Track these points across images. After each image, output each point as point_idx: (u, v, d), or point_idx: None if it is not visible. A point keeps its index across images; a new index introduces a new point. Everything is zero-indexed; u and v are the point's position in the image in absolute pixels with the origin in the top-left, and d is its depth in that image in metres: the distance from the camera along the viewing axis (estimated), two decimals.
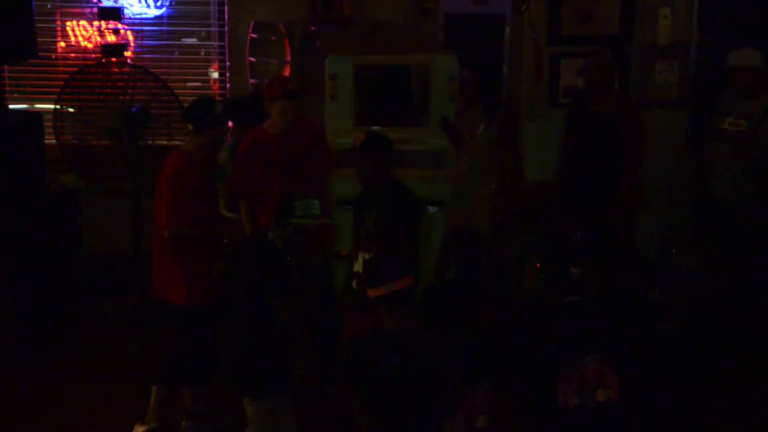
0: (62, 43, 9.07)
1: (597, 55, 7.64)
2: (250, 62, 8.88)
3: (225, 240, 6.31)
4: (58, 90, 8.55)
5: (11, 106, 8.94)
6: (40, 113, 8.35)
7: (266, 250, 5.39)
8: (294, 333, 5.73)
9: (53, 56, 9.09)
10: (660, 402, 5.31)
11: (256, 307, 5.33)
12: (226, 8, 8.97)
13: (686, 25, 9.05)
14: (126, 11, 8.89)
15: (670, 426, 5.47)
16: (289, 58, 8.83)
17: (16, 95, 9.15)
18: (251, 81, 8.89)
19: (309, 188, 6.32)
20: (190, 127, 6.20)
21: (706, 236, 5.90)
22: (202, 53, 9.34)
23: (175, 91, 8.52)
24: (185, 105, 8.26)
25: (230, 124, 7.05)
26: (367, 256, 5.97)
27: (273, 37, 8.86)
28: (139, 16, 9.03)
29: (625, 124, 7.43)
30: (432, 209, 7.76)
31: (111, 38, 8.88)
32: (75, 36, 9.02)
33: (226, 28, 9.01)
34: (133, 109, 8.15)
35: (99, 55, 8.67)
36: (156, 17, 9.07)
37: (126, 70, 8.55)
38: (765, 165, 7.39)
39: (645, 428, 5.39)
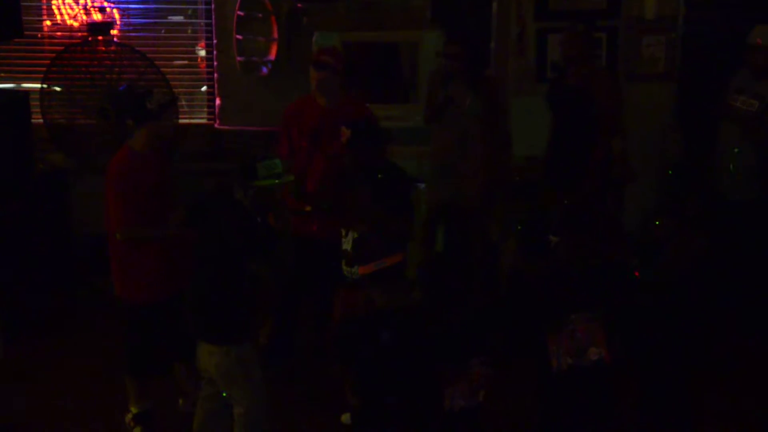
0: (48, 22, 9.00)
1: (570, 28, 7.65)
2: (237, 40, 8.84)
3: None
4: (44, 69, 8.52)
5: None
6: (27, 92, 8.31)
7: (234, 209, 5.42)
8: (265, 286, 5.77)
9: (39, 35, 9.04)
10: (652, 366, 5.34)
11: (226, 262, 5.38)
12: None
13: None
14: None
15: (663, 389, 5.50)
16: (276, 35, 8.80)
17: (2, 74, 9.10)
18: (238, 58, 8.86)
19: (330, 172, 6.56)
20: (130, 121, 6.07)
21: (681, 201, 5.91)
22: (189, 31, 9.30)
23: (163, 69, 8.50)
24: (171, 83, 8.29)
25: None
26: (356, 235, 5.98)
27: (260, 15, 8.82)
28: None
29: (599, 95, 7.43)
30: (421, 186, 7.75)
31: (97, 16, 8.83)
32: (61, 14, 8.95)
33: (213, 6, 8.96)
34: (120, 88, 8.12)
35: (85, 34, 8.63)
36: None
37: (112, 48, 8.52)
38: None
39: (640, 391, 5.43)
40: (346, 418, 6.25)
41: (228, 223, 5.42)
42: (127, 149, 6.06)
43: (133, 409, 6.33)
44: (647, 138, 8.55)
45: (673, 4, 9.03)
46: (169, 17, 9.18)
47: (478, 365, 4.70)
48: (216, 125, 9.05)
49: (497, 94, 7.72)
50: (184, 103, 8.81)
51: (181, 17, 9.21)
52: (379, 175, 6.12)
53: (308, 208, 6.86)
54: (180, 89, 8.82)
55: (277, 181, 5.45)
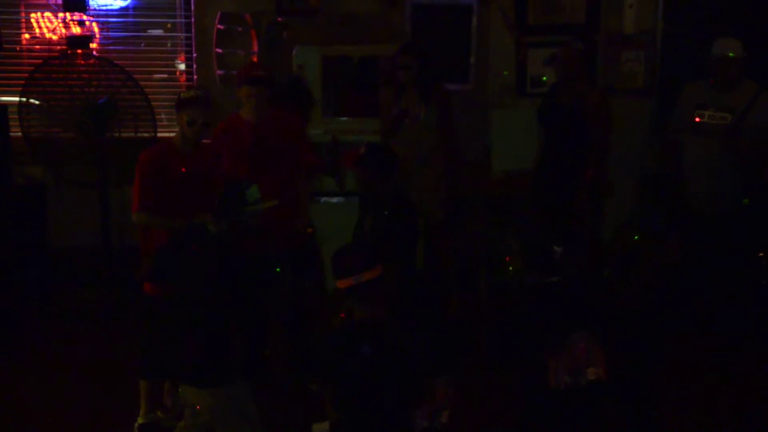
0: (27, 35, 8.98)
1: (569, 46, 7.67)
2: (217, 53, 8.84)
3: None
4: (23, 82, 8.47)
5: None
6: (5, 106, 8.29)
7: (212, 247, 5.33)
8: (255, 322, 5.69)
9: (18, 48, 9.00)
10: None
11: (212, 302, 5.29)
12: None
13: (652, 15, 9.09)
14: (91, 2, 8.82)
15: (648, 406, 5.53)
16: (256, 49, 8.81)
17: None
18: (218, 72, 8.87)
19: (279, 182, 6.36)
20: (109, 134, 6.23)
21: (653, 212, 5.93)
22: (169, 44, 9.29)
23: (142, 82, 8.47)
24: (151, 97, 8.28)
25: None
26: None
27: (240, 28, 8.83)
28: (104, 8, 8.96)
29: (594, 114, 7.47)
30: None
31: (76, 30, 8.81)
32: (40, 27, 8.93)
33: (193, 20, 8.97)
34: (100, 101, 8.11)
35: (64, 47, 8.60)
36: (121, 8, 9.01)
37: (92, 62, 8.49)
38: (753, 159, 7.39)
39: (634, 408, 5.46)
40: (317, 427, 6.20)
41: (209, 269, 5.32)
42: (166, 142, 6.32)
43: (140, 420, 6.29)
44: (626, 152, 8.57)
45: (651, 19, 9.09)
46: (149, 31, 9.17)
47: (443, 385, 4.69)
48: None
49: (449, 103, 7.70)
50: (163, 116, 8.78)
51: (161, 31, 9.20)
52: (386, 211, 6.11)
53: (310, 230, 6.87)
54: (160, 103, 8.80)
55: (262, 206, 5.42)
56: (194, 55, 9.03)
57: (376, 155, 6.25)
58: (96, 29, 8.95)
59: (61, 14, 8.84)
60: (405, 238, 6.16)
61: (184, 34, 9.12)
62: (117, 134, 8.29)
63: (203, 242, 5.34)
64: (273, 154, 6.61)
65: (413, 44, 7.72)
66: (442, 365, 4.75)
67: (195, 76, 9.04)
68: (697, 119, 7.47)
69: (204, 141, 6.45)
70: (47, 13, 8.91)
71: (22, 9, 8.97)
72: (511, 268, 5.18)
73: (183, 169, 6.09)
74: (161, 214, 6.05)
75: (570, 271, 4.95)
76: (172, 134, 7.49)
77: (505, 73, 8.89)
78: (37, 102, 8.42)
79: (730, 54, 7.38)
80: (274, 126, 6.67)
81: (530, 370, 4.84)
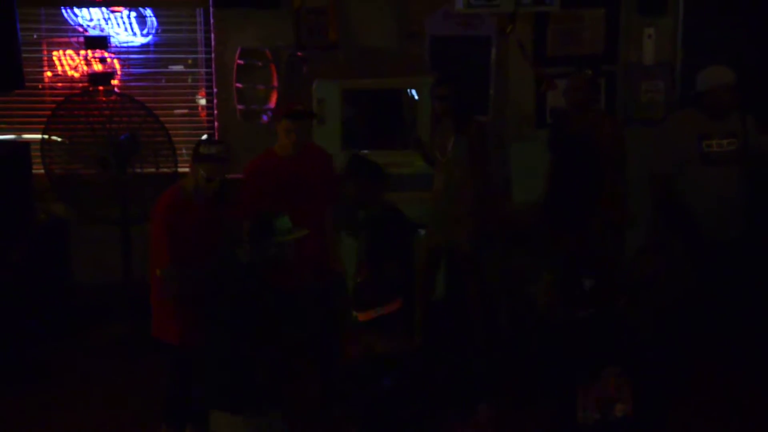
0: (49, 73, 9.08)
1: (577, 75, 7.68)
2: (237, 88, 8.90)
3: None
4: (45, 119, 8.54)
5: None
6: (28, 143, 8.35)
7: (243, 276, 5.33)
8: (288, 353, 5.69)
9: (40, 86, 9.11)
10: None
11: (246, 329, 5.28)
12: (212, 35, 9.00)
13: (671, 45, 9.10)
14: (112, 40, 8.92)
15: None
16: (276, 84, 8.85)
17: (3, 125, 9.13)
18: (239, 107, 8.92)
19: (315, 214, 6.44)
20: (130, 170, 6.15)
21: (669, 240, 5.92)
22: (189, 80, 9.36)
23: (163, 118, 8.52)
24: (171, 132, 8.32)
25: None
26: (359, 280, 5.97)
27: (260, 63, 8.89)
28: (125, 45, 9.06)
29: (605, 142, 7.44)
30: (421, 232, 7.75)
31: (98, 67, 8.89)
32: (62, 65, 9.03)
33: (213, 55, 9.03)
34: (121, 138, 8.15)
35: (86, 84, 8.67)
36: (142, 45, 9.10)
37: (113, 98, 8.53)
38: (759, 174, 7.43)
39: None
40: None
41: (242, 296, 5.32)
42: (176, 189, 6.16)
43: None
44: (646, 183, 8.54)
45: (670, 49, 9.09)
46: (170, 67, 9.25)
47: (486, 409, 4.66)
48: None
49: (483, 137, 7.71)
50: (184, 151, 8.81)
51: (182, 66, 9.27)
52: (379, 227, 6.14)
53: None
54: (180, 138, 8.85)
55: (292, 236, 5.42)
56: (215, 90, 9.09)
57: (360, 167, 6.27)
58: (117, 66, 9.04)
59: (82, 52, 8.92)
60: (398, 247, 6.16)
61: (204, 70, 9.18)
62: (138, 170, 8.33)
63: (234, 272, 5.36)
64: (308, 188, 6.65)
65: (449, 76, 7.75)
66: (482, 390, 4.71)
67: (215, 111, 9.09)
68: (706, 150, 7.39)
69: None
70: (69, 51, 9.01)
71: (45, 47, 9.06)
72: (541, 302, 5.16)
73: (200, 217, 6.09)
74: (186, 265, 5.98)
75: (600, 305, 4.93)
76: None
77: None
78: (59, 139, 8.46)
79: (726, 82, 7.34)
80: (309, 160, 6.72)
81: (558, 404, 4.81)
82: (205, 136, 9.14)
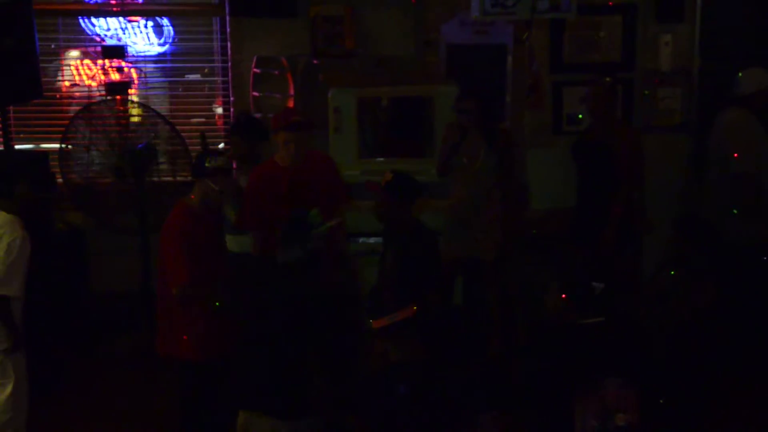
0: (67, 83, 9.11)
1: (597, 83, 7.68)
2: (254, 97, 8.91)
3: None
4: (63, 129, 8.59)
5: (17, 146, 8.96)
6: (46, 152, 8.38)
7: (282, 277, 5.33)
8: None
9: (58, 96, 9.14)
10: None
11: (285, 337, 5.24)
12: (228, 44, 9.02)
13: (688, 51, 9.07)
14: (129, 49, 8.95)
15: None
16: (292, 92, 8.87)
17: (22, 135, 9.18)
18: (255, 115, 8.93)
19: None
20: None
21: (689, 252, 5.88)
22: (206, 89, 9.38)
23: (179, 127, 8.56)
24: (188, 141, 8.35)
25: None
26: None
27: (276, 72, 8.90)
28: (142, 54, 9.09)
29: (624, 150, 7.45)
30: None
31: (115, 76, 8.92)
32: (79, 75, 9.07)
33: (229, 64, 9.05)
34: (138, 146, 8.18)
35: (103, 94, 8.71)
36: (159, 54, 9.13)
37: (130, 107, 8.58)
38: None
39: None
40: None
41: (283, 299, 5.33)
42: (183, 206, 6.12)
43: None
44: (663, 189, 8.53)
45: (688, 56, 9.06)
46: (186, 76, 9.27)
47: (490, 419, 4.65)
48: None
49: (511, 147, 7.73)
50: None
51: (198, 75, 9.30)
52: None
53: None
54: (197, 147, 8.84)
55: (328, 225, 5.44)
56: (231, 99, 9.11)
57: (402, 183, 6.28)
58: (134, 75, 9.06)
59: (100, 61, 8.95)
60: (428, 269, 6.15)
61: (221, 79, 9.20)
62: (156, 179, 8.36)
63: (273, 274, 5.36)
64: (310, 197, 6.63)
65: (472, 89, 7.74)
66: (488, 399, 4.70)
67: (232, 120, 9.10)
68: None
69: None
70: (87, 61, 9.04)
71: (62, 57, 9.09)
72: (550, 307, 5.13)
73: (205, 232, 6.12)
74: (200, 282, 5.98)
75: (610, 311, 4.91)
76: None
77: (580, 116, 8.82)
78: (77, 149, 8.51)
79: (764, 86, 7.54)
80: (310, 169, 6.71)
81: (556, 412, 4.79)
82: (221, 145, 9.17)
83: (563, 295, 4.92)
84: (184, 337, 6.02)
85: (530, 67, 8.68)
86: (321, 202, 6.67)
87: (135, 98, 8.82)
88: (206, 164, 6.09)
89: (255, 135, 7.35)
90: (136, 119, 8.55)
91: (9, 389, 6.30)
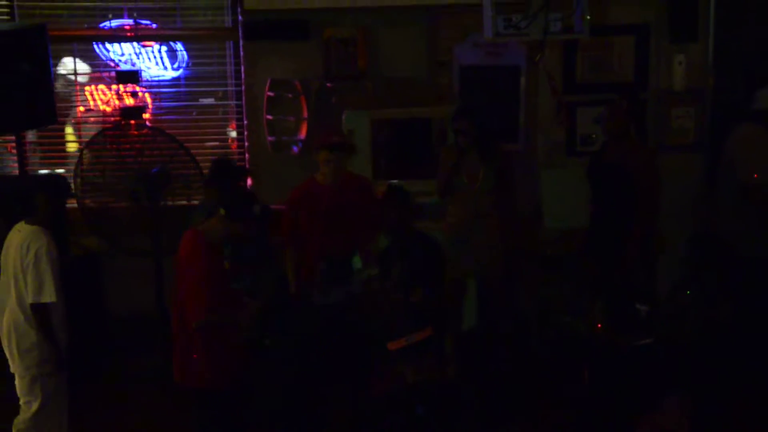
0: (81, 108, 9.15)
1: (614, 104, 7.69)
2: (268, 120, 8.94)
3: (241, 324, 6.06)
4: (78, 154, 8.62)
5: (32, 172, 9.00)
6: (64, 177, 8.41)
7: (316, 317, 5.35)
8: None
9: (73, 121, 9.18)
10: None
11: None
12: (242, 68, 9.05)
13: (701, 71, 9.06)
14: (143, 74, 8.99)
15: None
16: (306, 115, 8.89)
17: (37, 160, 9.22)
18: (269, 138, 8.96)
19: (352, 242, 6.63)
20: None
21: (703, 271, 5.87)
22: (220, 113, 9.41)
23: (194, 151, 8.58)
24: (202, 164, 8.36)
25: None
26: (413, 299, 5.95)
27: (289, 95, 8.93)
28: (156, 79, 9.13)
29: (641, 171, 7.44)
30: None
31: (129, 101, 8.96)
32: (94, 100, 9.11)
33: (243, 88, 9.08)
34: (153, 171, 8.21)
35: (118, 118, 8.75)
36: (173, 79, 9.17)
37: (144, 132, 8.61)
38: None
39: None
40: None
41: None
42: (199, 236, 5.89)
43: None
44: (677, 208, 8.51)
45: (701, 75, 9.06)
46: (200, 100, 9.31)
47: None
48: None
49: (510, 166, 7.79)
50: None
51: (212, 99, 9.33)
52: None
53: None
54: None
55: (369, 272, 5.48)
56: (245, 122, 9.13)
57: (398, 196, 6.32)
58: (149, 100, 9.10)
59: (114, 86, 8.99)
60: (433, 281, 6.16)
61: (234, 102, 9.23)
62: (170, 203, 8.38)
63: (313, 314, 5.38)
64: (348, 216, 6.78)
65: (466, 108, 7.76)
66: (506, 415, 4.70)
67: (246, 143, 9.13)
68: None
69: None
70: (101, 86, 9.08)
71: (77, 82, 9.14)
72: (587, 330, 5.13)
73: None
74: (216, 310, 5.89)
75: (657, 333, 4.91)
76: None
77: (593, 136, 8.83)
78: (91, 173, 8.54)
79: None
80: (350, 190, 6.88)
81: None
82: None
83: (608, 318, 4.93)
84: (202, 365, 5.97)
85: (550, 84, 8.70)
86: (357, 221, 6.77)
87: (149, 123, 8.85)
88: (255, 211, 5.91)
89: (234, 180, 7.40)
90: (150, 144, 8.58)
91: (35, 408, 6.53)
